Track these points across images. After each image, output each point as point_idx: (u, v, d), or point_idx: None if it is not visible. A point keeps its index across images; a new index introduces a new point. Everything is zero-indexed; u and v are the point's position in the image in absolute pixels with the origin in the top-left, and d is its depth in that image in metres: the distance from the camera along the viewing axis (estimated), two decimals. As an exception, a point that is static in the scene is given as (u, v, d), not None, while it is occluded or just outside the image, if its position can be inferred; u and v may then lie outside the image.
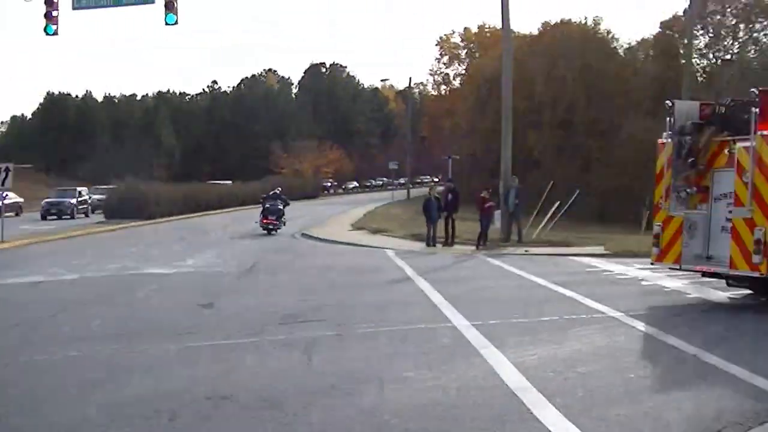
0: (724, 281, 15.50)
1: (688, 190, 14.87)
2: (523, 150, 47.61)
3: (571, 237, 30.23)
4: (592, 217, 48.48)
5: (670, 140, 15.20)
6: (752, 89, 14.06)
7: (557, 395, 8.11)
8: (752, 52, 75.11)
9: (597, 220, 47.53)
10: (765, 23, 76.41)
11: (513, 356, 9.94)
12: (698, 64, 72.49)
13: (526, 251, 26.64)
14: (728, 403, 8.06)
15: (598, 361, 9.94)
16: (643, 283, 18.36)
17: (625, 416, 7.55)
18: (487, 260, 24.10)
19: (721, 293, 16.05)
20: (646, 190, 28.85)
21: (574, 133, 62.95)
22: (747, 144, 13.65)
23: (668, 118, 15.34)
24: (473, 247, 27.81)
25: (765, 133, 13.40)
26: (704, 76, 71.60)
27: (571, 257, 25.04)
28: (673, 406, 7.95)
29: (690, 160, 14.79)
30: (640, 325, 12.42)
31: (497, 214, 29.33)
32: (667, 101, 15.76)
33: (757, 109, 13.49)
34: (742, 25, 76.45)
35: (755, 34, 77.37)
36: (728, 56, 74.14)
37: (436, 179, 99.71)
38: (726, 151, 14.35)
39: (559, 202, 31.69)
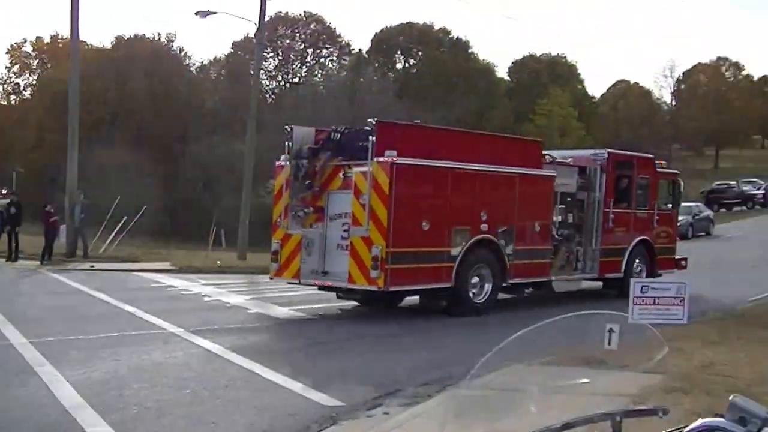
0: (347, 294, 16.50)
1: (305, 210, 15.68)
2: (91, 165, 46.35)
3: (139, 252, 30.28)
4: (163, 233, 48.62)
5: (287, 163, 15.89)
6: (370, 119, 15.29)
7: (112, 412, 8.21)
8: (319, 76, 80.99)
9: (168, 237, 47.75)
10: (331, 49, 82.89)
11: (70, 374, 9.83)
12: (267, 86, 76.41)
13: (92, 266, 26.11)
14: (280, 414, 8.58)
15: (155, 377, 10.15)
16: (206, 299, 18.93)
17: (176, 428, 7.89)
18: (51, 275, 23.29)
19: (281, 309, 16.91)
20: (215, 207, 29.98)
21: (144, 149, 62.74)
22: (364, 169, 14.70)
23: (286, 142, 16.06)
24: (38, 263, 26.65)
25: (381, 159, 14.54)
26: (273, 97, 75.57)
27: (136, 273, 25.05)
28: (231, 419, 8.35)
29: (307, 182, 15.65)
30: (200, 341, 12.75)
31: (63, 228, 28.50)
32: (286, 126, 16.46)
33: (374, 138, 14.63)
34: (310, 50, 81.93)
35: (322, 60, 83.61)
36: (296, 79, 79.21)
37: (3, 192, 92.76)
38: (341, 174, 15.43)
39: (125, 218, 31.58)
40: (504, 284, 16.82)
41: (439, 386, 9.75)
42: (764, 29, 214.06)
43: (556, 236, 18.14)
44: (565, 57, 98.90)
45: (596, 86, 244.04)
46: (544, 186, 17.52)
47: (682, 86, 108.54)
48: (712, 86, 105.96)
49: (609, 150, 20.05)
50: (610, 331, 10.51)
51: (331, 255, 15.56)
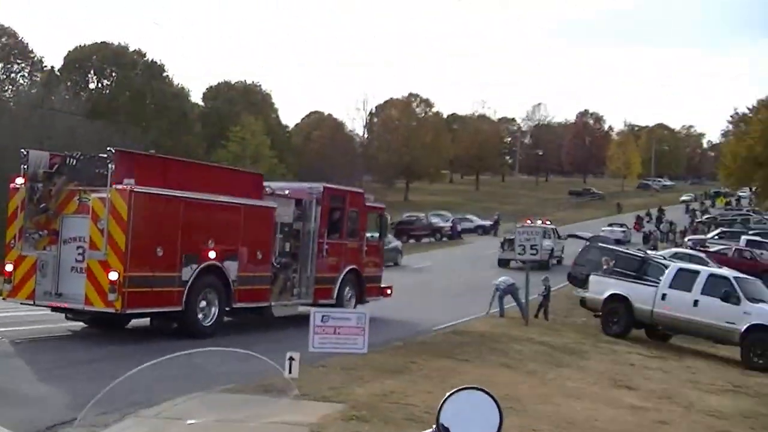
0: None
1: (40, 232, 15.68)
2: None
3: None
4: None
5: (22, 186, 15.81)
6: (109, 148, 15.53)
7: None
8: (9, 91, 75.36)
9: None
10: (23, 65, 77.41)
11: None
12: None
13: None
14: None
15: None
16: None
17: None
18: None
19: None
20: None
21: None
22: (103, 195, 14.93)
23: (22, 166, 15.90)
24: None
25: (119, 187, 14.85)
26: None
27: None
28: None
29: (42, 206, 15.65)
30: None
31: None
32: (22, 149, 16.36)
33: (113, 166, 14.96)
34: (0, 65, 76.29)
35: (13, 75, 77.84)
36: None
37: None
38: (76, 199, 15.61)
39: None
40: (228, 308, 17.53)
41: (119, 415, 9.45)
42: (452, 69, 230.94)
43: (275, 264, 18.94)
44: (260, 85, 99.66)
45: (290, 116, 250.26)
46: (265, 216, 18.48)
47: (375, 119, 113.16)
48: (403, 121, 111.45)
49: (324, 185, 21.07)
50: (291, 359, 10.28)
51: (65, 277, 15.65)
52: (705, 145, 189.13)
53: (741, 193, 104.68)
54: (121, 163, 15.25)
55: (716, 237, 51.84)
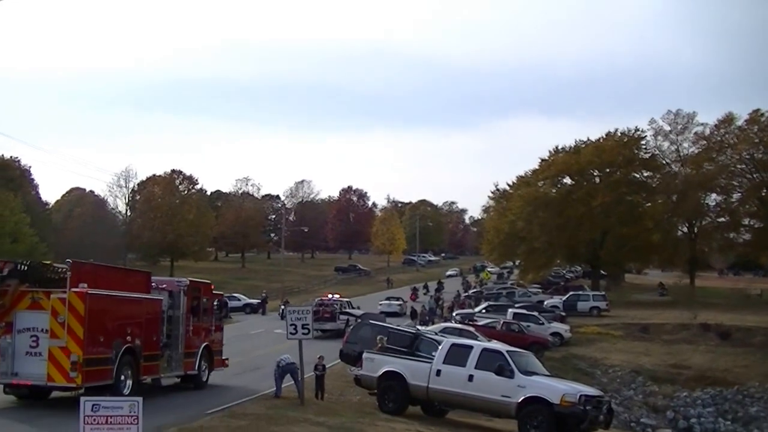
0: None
1: None
2: None
3: None
4: None
5: None
6: (68, 260, 19.94)
7: None
8: None
9: None
10: None
11: None
12: None
13: None
14: None
15: None
16: None
17: None
18: None
19: None
20: None
21: None
22: (63, 296, 19.03)
23: None
24: None
25: (76, 290, 19.01)
26: None
27: None
28: None
29: None
30: None
31: None
32: None
33: (70, 273, 19.20)
34: None
35: None
36: None
37: None
38: (28, 297, 19.50)
39: None
40: (139, 380, 21.35)
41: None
42: (214, 144, 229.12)
43: (161, 344, 23.26)
44: (18, 160, 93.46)
45: (51, 192, 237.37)
46: (156, 307, 23.09)
47: (137, 196, 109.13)
48: (166, 198, 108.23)
49: (189, 279, 26.03)
50: None
51: (21, 360, 19.35)
52: (467, 221, 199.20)
53: (504, 267, 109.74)
54: (76, 270, 19.42)
55: (483, 311, 53.61)
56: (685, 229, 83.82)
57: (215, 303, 27.22)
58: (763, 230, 78.32)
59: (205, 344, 25.64)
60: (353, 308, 53.43)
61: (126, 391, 20.10)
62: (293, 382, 23.92)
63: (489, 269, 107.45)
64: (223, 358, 27.55)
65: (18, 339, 19.37)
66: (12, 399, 20.46)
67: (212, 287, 27.43)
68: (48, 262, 21.13)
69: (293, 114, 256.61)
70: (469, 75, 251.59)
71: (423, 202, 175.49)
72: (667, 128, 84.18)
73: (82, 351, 18.75)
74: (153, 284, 23.33)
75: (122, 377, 20.50)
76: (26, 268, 20.13)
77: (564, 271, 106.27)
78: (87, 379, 18.93)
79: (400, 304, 66.23)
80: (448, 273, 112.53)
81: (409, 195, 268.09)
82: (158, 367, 22.81)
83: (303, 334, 22.99)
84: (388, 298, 69.78)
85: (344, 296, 60.65)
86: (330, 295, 56.19)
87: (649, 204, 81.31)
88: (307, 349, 24.33)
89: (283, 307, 50.15)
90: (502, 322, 44.56)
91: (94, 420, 11.43)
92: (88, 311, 19.01)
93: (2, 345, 19.25)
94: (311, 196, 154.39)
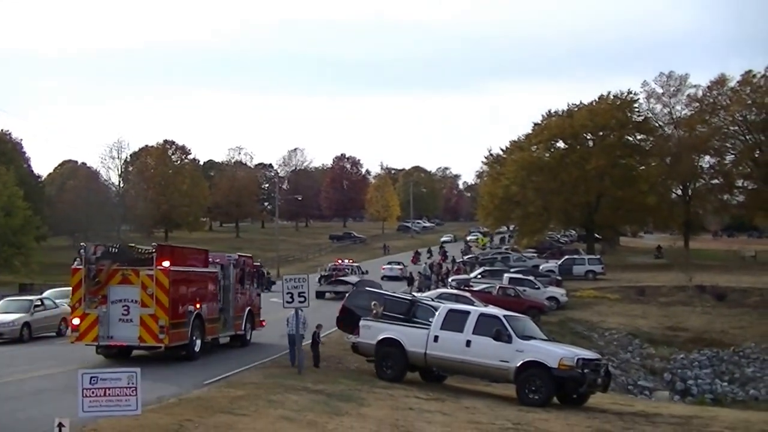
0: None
1: (96, 297, 23.24)
2: None
3: None
4: None
5: (82, 267, 23.46)
6: (154, 243, 25.13)
7: None
8: None
9: None
10: None
11: None
12: None
13: None
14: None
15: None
16: None
17: None
18: None
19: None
20: None
21: None
22: (150, 272, 23.00)
23: (80, 253, 23.94)
24: None
25: (160, 267, 22.99)
26: None
27: None
28: None
29: (96, 280, 23.27)
30: None
31: None
32: (82, 243, 25.31)
33: (156, 253, 23.37)
34: None
35: None
36: None
37: None
38: (120, 274, 23.29)
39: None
40: (204, 340, 25.59)
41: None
42: (204, 114, 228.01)
43: (218, 309, 27.18)
44: (9, 133, 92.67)
45: (43, 165, 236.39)
46: (214, 278, 27.04)
47: (130, 168, 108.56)
48: (159, 169, 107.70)
49: (238, 254, 30.76)
50: (60, 426, 11.12)
51: (115, 326, 23.29)
52: (461, 186, 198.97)
53: (500, 232, 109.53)
54: (160, 251, 23.64)
55: (479, 276, 53.52)
56: (680, 192, 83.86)
57: (255, 273, 31.34)
58: (757, 192, 78.44)
59: (248, 308, 29.73)
60: (362, 272, 59.90)
61: (197, 348, 24.88)
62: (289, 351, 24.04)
63: (472, 236, 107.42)
64: (262, 319, 31.41)
65: (112, 309, 23.24)
66: (101, 358, 23.85)
67: (253, 260, 32.09)
68: (132, 244, 26.18)
69: (285, 82, 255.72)
70: (461, 40, 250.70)
71: (417, 169, 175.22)
72: (660, 91, 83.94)
73: (168, 317, 22.79)
74: (210, 259, 27.08)
75: (194, 338, 24.52)
76: (116, 250, 24.23)
77: (558, 236, 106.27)
78: (172, 340, 23.10)
79: (401, 269, 68.42)
80: (443, 239, 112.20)
81: (402, 161, 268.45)
82: (217, 328, 27.01)
83: (299, 302, 22.90)
84: (389, 263, 72.79)
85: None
86: (341, 261, 64.83)
87: (643, 167, 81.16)
88: (322, 312, 26.75)
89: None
90: (498, 287, 44.49)
91: (93, 393, 11.49)
92: (171, 284, 23.02)
93: (99, 314, 23.07)
94: (305, 164, 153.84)
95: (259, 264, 33.48)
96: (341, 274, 56.41)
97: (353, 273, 57.85)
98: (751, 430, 18.93)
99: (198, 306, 24.81)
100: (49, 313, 32.54)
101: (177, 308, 23.38)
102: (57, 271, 71.65)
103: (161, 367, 22.57)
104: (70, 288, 24.64)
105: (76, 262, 23.85)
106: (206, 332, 25.64)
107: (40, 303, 32.88)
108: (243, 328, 29.07)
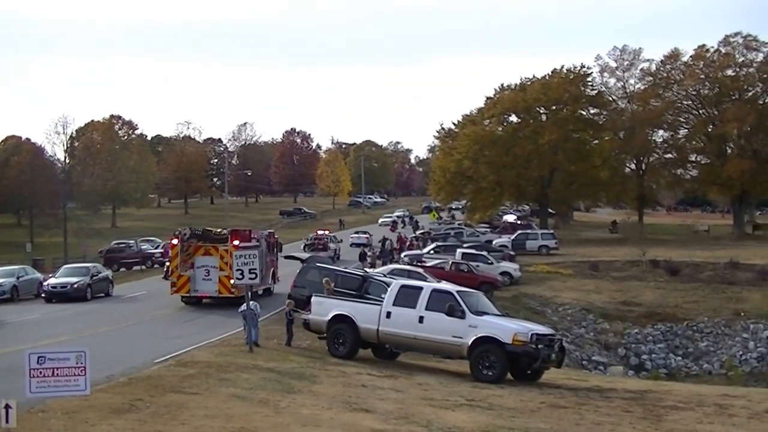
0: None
1: (187, 264, 33.35)
2: None
3: None
4: None
5: (177, 242, 33.78)
6: (229, 227, 39.71)
7: None
8: None
9: None
10: None
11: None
12: None
13: None
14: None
15: None
16: None
17: None
18: None
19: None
20: None
21: None
22: (226, 248, 32.41)
23: (177, 233, 34.81)
24: None
25: (234, 244, 30.16)
26: None
27: None
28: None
29: (187, 252, 33.50)
30: None
31: None
32: (179, 228, 37.02)
33: (230, 235, 33.45)
34: None
35: None
36: None
37: None
38: (202, 249, 33.59)
39: None
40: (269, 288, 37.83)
41: None
42: (151, 88, 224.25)
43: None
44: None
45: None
46: (257, 248, 28.40)
47: (76, 143, 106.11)
48: (106, 144, 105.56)
49: (268, 231, 43.57)
50: (7, 407, 10.45)
51: (199, 283, 33.43)
52: (413, 161, 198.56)
53: (453, 206, 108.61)
54: (232, 233, 33.72)
55: (432, 252, 53.14)
56: (633, 166, 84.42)
57: (275, 243, 40.60)
58: (710, 166, 79.19)
59: (273, 269, 38.70)
60: (337, 241, 66.21)
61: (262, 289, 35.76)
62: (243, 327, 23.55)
63: (437, 209, 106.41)
64: (277, 276, 39.87)
65: (197, 272, 33.39)
66: (181, 305, 33.58)
67: (273, 233, 42.80)
68: (210, 228, 36.70)
69: (231, 54, 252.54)
70: (412, 11, 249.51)
71: (368, 143, 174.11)
72: (614, 65, 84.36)
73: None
74: (253, 236, 34.99)
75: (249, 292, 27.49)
76: (200, 232, 34.77)
77: (511, 210, 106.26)
78: (239, 293, 28.69)
79: (367, 237, 72.82)
80: (396, 213, 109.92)
81: (354, 136, 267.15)
82: (262, 282, 34.45)
83: (250, 278, 22.24)
84: (356, 232, 78.03)
85: (291, 240, 67.34)
86: (320, 231, 70.79)
87: (597, 141, 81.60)
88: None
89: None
90: (450, 263, 44.14)
91: (40, 372, 11.20)
92: None
93: (191, 275, 33.14)
94: (254, 138, 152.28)
95: (277, 237, 43.03)
96: (321, 242, 62.80)
97: (331, 242, 64.28)
98: (705, 403, 18.72)
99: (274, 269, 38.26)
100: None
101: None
102: (5, 250, 69.79)
103: (111, 345, 22.10)
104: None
105: (173, 240, 34.25)
106: (275, 281, 38.50)
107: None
108: (269, 281, 38.04)
